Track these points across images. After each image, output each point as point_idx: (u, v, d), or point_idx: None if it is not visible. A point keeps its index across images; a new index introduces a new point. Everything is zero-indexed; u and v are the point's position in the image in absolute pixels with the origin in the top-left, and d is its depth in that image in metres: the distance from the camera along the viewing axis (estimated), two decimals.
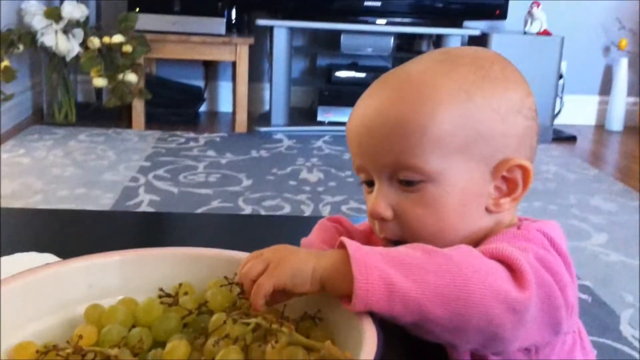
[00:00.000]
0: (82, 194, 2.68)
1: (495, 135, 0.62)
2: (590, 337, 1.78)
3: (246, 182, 2.88)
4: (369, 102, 0.65)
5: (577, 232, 2.63)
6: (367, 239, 0.73)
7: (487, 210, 0.63)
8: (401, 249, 0.54)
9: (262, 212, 2.56)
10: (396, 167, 0.62)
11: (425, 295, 0.50)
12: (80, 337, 0.49)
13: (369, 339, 0.45)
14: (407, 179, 0.62)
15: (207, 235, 0.89)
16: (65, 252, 0.73)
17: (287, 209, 2.62)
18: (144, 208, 2.53)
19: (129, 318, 0.52)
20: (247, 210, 2.58)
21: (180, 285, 0.55)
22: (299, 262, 0.52)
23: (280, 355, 0.46)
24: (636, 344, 1.83)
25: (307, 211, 2.60)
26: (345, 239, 0.52)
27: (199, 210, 2.53)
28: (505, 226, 0.64)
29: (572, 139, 3.77)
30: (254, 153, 3.25)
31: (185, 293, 0.54)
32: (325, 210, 2.61)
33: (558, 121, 3.84)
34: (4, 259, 0.71)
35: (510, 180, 0.63)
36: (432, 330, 0.51)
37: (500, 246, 0.55)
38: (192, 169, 3.01)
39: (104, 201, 2.61)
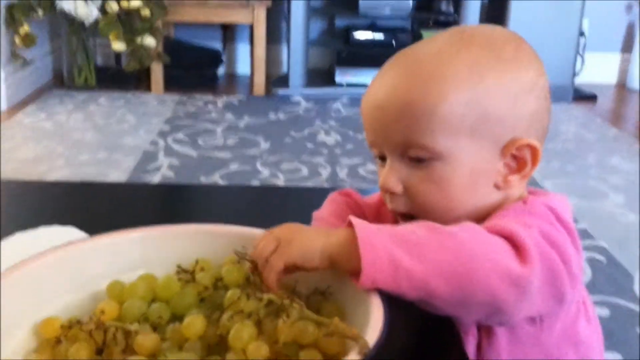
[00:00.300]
0: (103, 158, 2.72)
1: (506, 116, 0.63)
2: (604, 297, 1.79)
3: (264, 145, 2.90)
4: (381, 82, 0.66)
5: (594, 192, 2.63)
6: (377, 211, 0.75)
7: (496, 186, 0.65)
8: (407, 226, 0.55)
9: (280, 175, 2.59)
10: (406, 145, 0.64)
11: (430, 272, 0.52)
12: (103, 312, 0.52)
13: (376, 315, 0.48)
14: (417, 157, 0.63)
15: (224, 207, 0.91)
16: (86, 224, 0.76)
17: (304, 172, 2.64)
18: (163, 172, 2.57)
19: (148, 293, 0.55)
20: (265, 173, 2.60)
21: (197, 261, 0.57)
22: (308, 241, 0.54)
23: (291, 329, 0.48)
24: None
25: (325, 174, 2.62)
26: (353, 218, 0.54)
27: (217, 174, 2.56)
28: (514, 201, 0.65)
29: (592, 98, 3.74)
30: (271, 116, 3.27)
31: (202, 269, 0.57)
32: (343, 172, 2.63)
33: (579, 80, 3.80)
34: (29, 233, 0.74)
35: (519, 158, 0.64)
36: (437, 305, 0.54)
37: (503, 223, 0.57)
38: (210, 132, 3.03)
39: (124, 165, 2.65)
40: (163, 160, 2.69)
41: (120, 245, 0.59)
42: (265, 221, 0.70)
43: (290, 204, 0.92)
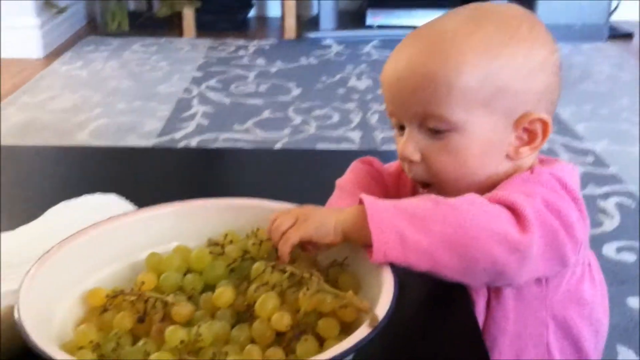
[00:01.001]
0: (139, 107, 2.78)
1: (518, 91, 0.66)
2: (631, 242, 1.81)
3: (295, 91, 2.93)
4: (401, 55, 0.70)
5: (626, 136, 2.62)
6: (397, 179, 0.79)
7: (508, 157, 0.69)
8: (413, 201, 0.60)
9: (312, 122, 2.62)
10: (425, 116, 0.67)
11: (434, 244, 0.56)
12: (143, 283, 0.58)
13: (387, 287, 0.52)
14: (435, 128, 0.67)
15: (256, 171, 0.96)
16: (126, 191, 0.82)
17: (335, 119, 2.67)
18: (197, 120, 2.62)
19: (182, 265, 0.60)
20: (297, 120, 2.64)
21: (226, 235, 0.62)
22: (322, 217, 0.59)
23: (311, 300, 0.54)
24: None
25: (355, 120, 2.65)
26: (364, 196, 0.59)
27: (250, 122, 2.61)
28: (524, 171, 0.69)
29: (628, 36, 3.67)
30: (303, 60, 3.29)
31: (231, 242, 0.62)
32: (374, 119, 2.65)
33: (615, 17, 3.72)
34: (73, 201, 0.79)
35: (530, 131, 0.68)
36: (445, 274, 0.58)
37: (505, 193, 0.61)
38: (242, 79, 3.07)
39: (159, 113, 2.70)
40: (197, 108, 2.75)
41: (157, 219, 0.64)
42: (293, 185, 0.74)
43: (315, 168, 0.96)
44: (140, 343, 0.53)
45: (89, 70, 3.18)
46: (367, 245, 0.57)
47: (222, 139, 2.47)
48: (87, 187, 0.83)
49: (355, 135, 2.51)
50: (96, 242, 0.61)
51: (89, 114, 2.73)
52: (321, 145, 2.43)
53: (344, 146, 2.42)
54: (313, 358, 0.47)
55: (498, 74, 0.66)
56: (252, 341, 0.53)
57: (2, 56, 3.20)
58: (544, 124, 0.68)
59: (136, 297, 0.56)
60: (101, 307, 0.57)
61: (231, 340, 0.53)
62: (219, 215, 0.65)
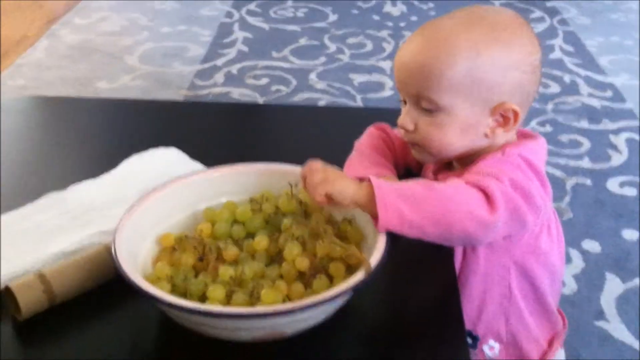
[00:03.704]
0: (183, 31, 2.94)
1: (495, 84, 0.82)
2: (634, 177, 1.95)
3: (332, 17, 3.05)
4: (408, 47, 0.86)
5: None
6: (404, 145, 0.97)
7: (485, 135, 0.85)
8: (411, 185, 0.76)
9: (345, 50, 2.76)
10: (419, 97, 0.84)
11: (424, 220, 0.74)
12: (201, 231, 0.78)
13: (380, 244, 0.71)
14: (426, 108, 0.84)
15: (295, 126, 1.15)
16: (181, 144, 1.01)
17: (369, 47, 2.81)
18: (238, 47, 2.78)
19: (231, 217, 0.80)
20: (332, 48, 2.78)
21: (263, 194, 0.82)
22: (345, 185, 0.76)
23: (324, 249, 0.73)
24: None
25: (388, 49, 2.78)
26: (373, 179, 0.76)
27: (287, 50, 2.75)
28: (498, 147, 0.86)
29: None
30: None
31: (267, 199, 0.81)
32: None
33: None
34: (142, 155, 0.99)
35: (504, 116, 0.84)
36: (429, 240, 0.77)
37: (480, 177, 0.78)
38: (281, 3, 3.19)
39: (202, 39, 2.86)
40: (238, 34, 2.90)
41: (212, 180, 0.83)
42: (320, 143, 0.91)
43: (342, 125, 1.14)
44: (201, 277, 0.73)
45: None
46: (374, 217, 0.75)
47: (260, 67, 2.63)
48: (150, 140, 1.02)
49: (387, 66, 2.65)
50: (167, 198, 0.80)
51: (137, 37, 2.89)
52: (353, 76, 2.58)
53: (375, 77, 2.57)
54: (327, 293, 0.67)
55: (480, 69, 0.82)
56: (281, 277, 0.73)
57: None
58: (515, 112, 0.84)
59: (197, 242, 0.76)
60: (171, 248, 0.77)
61: (266, 277, 0.73)
62: (258, 177, 0.84)
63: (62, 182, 0.92)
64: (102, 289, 0.76)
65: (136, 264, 0.73)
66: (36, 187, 0.92)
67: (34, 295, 0.72)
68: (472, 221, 0.75)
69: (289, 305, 0.65)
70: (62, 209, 0.87)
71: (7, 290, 0.72)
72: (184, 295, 0.71)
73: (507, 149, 0.84)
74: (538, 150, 0.86)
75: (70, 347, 0.71)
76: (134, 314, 0.75)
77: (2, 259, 0.77)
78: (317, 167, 0.77)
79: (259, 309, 0.66)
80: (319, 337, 0.70)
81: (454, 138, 0.85)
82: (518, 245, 0.86)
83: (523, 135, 0.90)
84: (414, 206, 0.74)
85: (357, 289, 0.67)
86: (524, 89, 0.85)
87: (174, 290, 0.71)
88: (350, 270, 0.72)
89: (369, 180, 0.76)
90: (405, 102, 0.88)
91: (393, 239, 0.73)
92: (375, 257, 0.70)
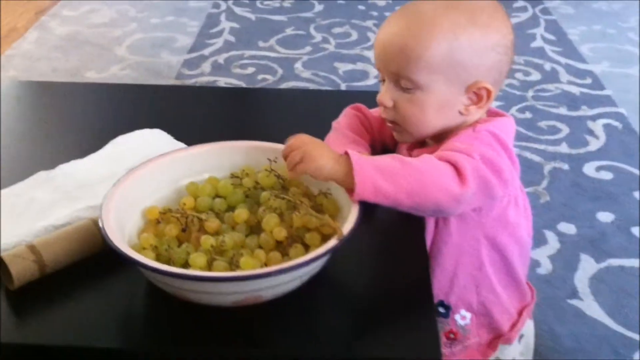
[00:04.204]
0: (171, 22, 2.98)
1: (471, 64, 0.87)
2: (610, 162, 2.02)
3: (318, 7, 3.09)
4: (387, 28, 0.90)
5: (628, 58, 2.77)
6: (381, 123, 1.01)
7: (460, 112, 0.90)
8: (386, 159, 0.80)
9: (331, 40, 2.81)
10: (399, 76, 0.89)
11: (398, 192, 0.78)
12: (185, 204, 0.82)
13: (353, 213, 0.76)
14: (405, 86, 0.89)
15: (279, 109, 1.20)
16: (166, 126, 1.05)
17: (354, 37, 2.85)
18: (225, 37, 2.82)
19: (212, 191, 0.84)
20: (318, 38, 2.82)
21: (243, 169, 0.86)
22: (323, 164, 0.79)
23: (301, 219, 0.77)
24: None
25: (373, 39, 2.82)
26: (351, 153, 0.79)
27: (273, 40, 2.79)
28: (470, 124, 0.91)
29: None
30: None
31: (247, 175, 0.85)
32: None
33: None
34: (128, 135, 1.03)
35: (478, 95, 0.89)
36: (402, 210, 0.81)
37: (451, 153, 0.82)
38: None
39: (190, 29, 2.90)
40: (225, 24, 2.93)
41: (195, 156, 0.88)
42: (300, 123, 0.96)
43: (316, 107, 1.18)
44: (184, 246, 0.77)
45: None
46: (350, 190, 0.79)
47: (247, 56, 2.68)
48: (136, 123, 1.06)
49: (371, 55, 2.69)
50: (152, 173, 0.84)
51: (126, 28, 2.93)
52: (338, 64, 2.63)
53: (360, 66, 2.61)
54: (301, 258, 0.71)
55: (458, 50, 0.86)
56: (260, 247, 0.77)
57: None
58: (488, 91, 0.89)
59: (180, 214, 0.80)
60: (156, 220, 0.81)
61: (245, 246, 0.78)
62: (239, 154, 0.88)
63: (52, 162, 0.96)
64: (91, 261, 0.80)
65: (123, 235, 0.77)
66: (27, 167, 0.96)
67: (25, 265, 0.76)
68: (443, 194, 0.79)
69: (266, 269, 0.70)
70: (52, 186, 0.91)
71: (0, 261, 0.77)
72: (168, 263, 0.75)
73: (477, 126, 0.89)
74: (507, 127, 0.91)
75: (61, 314, 0.75)
76: (121, 283, 0.79)
77: None
78: (297, 145, 0.81)
79: (237, 272, 0.71)
80: (295, 302, 0.75)
81: (430, 115, 0.89)
82: (488, 218, 0.91)
83: (493, 114, 0.95)
84: (390, 178, 0.78)
85: (330, 255, 0.72)
86: (498, 69, 0.89)
87: (158, 259, 0.76)
88: (326, 239, 0.76)
89: (347, 154, 0.80)
90: (384, 81, 0.92)
91: (368, 211, 0.78)
92: (347, 226, 0.74)
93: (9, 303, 0.76)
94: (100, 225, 0.74)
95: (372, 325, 0.73)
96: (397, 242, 0.87)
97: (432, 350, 0.70)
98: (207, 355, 0.71)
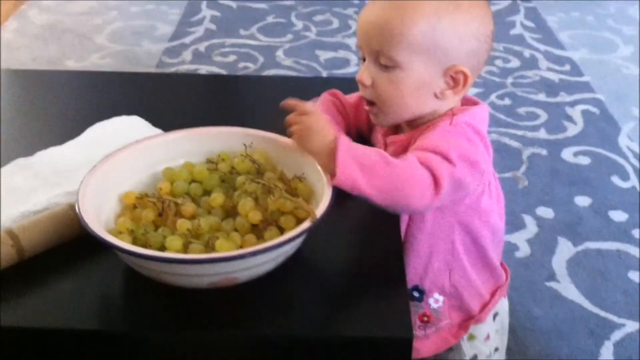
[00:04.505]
0: (152, 10, 2.97)
1: (451, 48, 0.88)
2: (588, 147, 2.05)
3: None
4: (372, 8, 0.91)
5: (606, 44, 2.80)
6: (356, 107, 1.03)
7: (435, 96, 0.91)
8: (372, 155, 0.81)
9: (312, 28, 2.81)
10: (379, 54, 0.90)
11: (374, 192, 0.79)
12: (161, 189, 0.83)
13: (326, 198, 0.77)
14: (385, 64, 0.90)
15: (259, 95, 1.21)
16: (145, 113, 1.06)
17: (335, 24, 2.86)
18: (206, 25, 2.81)
19: (189, 177, 0.85)
20: (299, 26, 2.83)
21: (219, 155, 0.87)
22: (315, 144, 0.82)
23: (275, 203, 0.79)
24: (629, 154, 2.11)
25: (354, 26, 2.83)
26: (340, 140, 0.81)
27: (255, 27, 2.80)
28: (445, 111, 0.92)
29: None
30: None
31: (223, 160, 0.86)
32: None
33: None
34: (106, 122, 1.04)
35: (455, 79, 0.90)
36: (376, 205, 0.83)
37: (432, 158, 0.83)
38: None
39: (171, 17, 2.89)
40: (206, 12, 2.93)
41: (171, 142, 0.89)
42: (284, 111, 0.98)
43: (303, 94, 1.19)
44: (160, 230, 0.78)
45: None
46: (331, 174, 0.81)
47: (228, 44, 2.68)
48: (114, 110, 1.07)
49: (352, 42, 2.71)
50: (128, 158, 0.85)
51: (106, 16, 2.92)
52: (319, 52, 2.64)
53: (341, 54, 2.63)
54: (275, 240, 0.73)
55: (439, 33, 0.87)
56: (235, 230, 0.79)
57: None
58: (465, 76, 0.90)
59: (157, 199, 0.81)
60: (132, 205, 0.82)
61: (221, 229, 0.79)
62: (216, 139, 0.89)
63: (30, 149, 0.97)
64: (69, 245, 0.81)
65: (100, 220, 0.78)
66: (5, 154, 0.97)
67: (3, 250, 0.77)
68: (416, 200, 0.82)
69: (240, 251, 0.71)
70: (31, 172, 0.92)
71: None
72: (145, 247, 0.76)
73: (455, 118, 0.90)
74: (482, 115, 0.92)
75: (40, 297, 0.76)
76: (99, 267, 0.80)
77: None
78: (301, 121, 0.84)
79: (212, 254, 0.72)
80: (270, 284, 0.76)
81: (407, 96, 0.90)
82: (461, 206, 0.93)
83: (467, 101, 0.96)
84: (368, 177, 0.80)
85: (305, 238, 0.74)
86: (477, 57, 0.91)
87: (135, 243, 0.77)
88: (300, 222, 0.78)
89: (336, 140, 0.81)
90: (364, 60, 0.93)
91: (343, 196, 0.79)
92: (320, 208, 0.76)
93: None
94: (77, 210, 0.75)
95: (345, 305, 0.75)
96: (371, 226, 0.88)
97: (404, 328, 0.71)
98: (184, 336, 0.72)
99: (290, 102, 0.86)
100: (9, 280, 0.77)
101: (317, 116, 0.85)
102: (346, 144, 0.81)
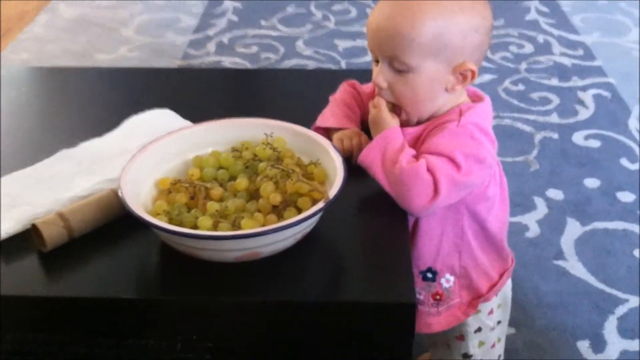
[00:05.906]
0: (176, 3, 3.06)
1: (458, 47, 0.95)
2: (599, 130, 2.12)
3: None
4: (380, 11, 0.97)
5: (619, 27, 2.83)
6: (371, 97, 1.11)
7: (446, 90, 0.98)
8: (398, 152, 0.93)
9: (331, 17, 2.89)
10: (392, 58, 0.97)
11: (384, 181, 0.92)
12: (192, 175, 0.93)
13: (338, 180, 0.87)
14: (398, 68, 0.98)
15: (281, 89, 1.31)
16: (174, 107, 1.16)
17: (353, 14, 2.93)
18: (228, 16, 2.90)
19: (216, 163, 0.95)
20: (318, 15, 2.91)
21: (243, 143, 0.97)
22: (381, 126, 0.97)
23: (294, 186, 0.88)
24: (638, 136, 2.17)
25: None
26: (389, 128, 0.96)
27: (275, 18, 2.88)
28: (455, 104, 0.99)
29: None
30: None
31: (246, 148, 0.96)
32: None
33: None
34: (140, 115, 1.14)
35: (463, 75, 0.97)
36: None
37: (438, 162, 0.91)
38: None
39: (195, 9, 2.99)
40: (228, 4, 3.02)
41: (200, 132, 0.99)
42: (301, 102, 1.06)
43: (325, 86, 1.25)
44: (192, 211, 0.88)
45: None
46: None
47: (250, 36, 2.77)
48: (146, 105, 1.17)
49: None
50: (163, 147, 0.95)
51: (132, 9, 3.02)
52: (338, 42, 2.72)
53: (359, 43, 2.70)
54: (293, 218, 0.82)
55: (446, 34, 0.94)
56: (258, 211, 0.89)
57: None
58: (472, 72, 0.98)
59: (188, 184, 0.91)
60: (167, 190, 0.92)
61: (246, 210, 0.89)
62: (239, 129, 0.99)
63: (72, 140, 1.07)
64: (112, 226, 0.92)
65: (139, 203, 0.88)
66: (51, 145, 1.07)
67: (56, 230, 0.88)
68: (415, 202, 0.92)
69: (263, 228, 0.81)
70: (74, 161, 1.02)
71: (34, 228, 0.88)
72: (179, 226, 0.86)
73: (462, 119, 0.97)
74: (486, 111, 1.01)
75: (87, 272, 0.87)
76: (138, 244, 0.90)
77: (28, 203, 0.93)
78: (378, 117, 0.99)
79: (239, 232, 0.83)
80: (288, 258, 0.86)
81: (422, 95, 0.98)
82: (470, 195, 1.00)
83: (473, 94, 1.04)
84: (384, 168, 0.93)
85: (320, 217, 0.84)
86: (480, 49, 0.98)
87: (171, 223, 0.86)
88: (315, 203, 0.88)
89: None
90: (377, 61, 1.00)
91: (357, 180, 0.89)
92: (333, 190, 0.85)
93: (42, 263, 0.87)
94: (120, 194, 0.86)
95: (354, 274, 0.85)
96: (380, 207, 0.96)
97: (408, 294, 0.81)
98: (212, 302, 0.83)
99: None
100: (61, 257, 0.88)
101: (383, 118, 0.99)
102: (390, 132, 0.94)
